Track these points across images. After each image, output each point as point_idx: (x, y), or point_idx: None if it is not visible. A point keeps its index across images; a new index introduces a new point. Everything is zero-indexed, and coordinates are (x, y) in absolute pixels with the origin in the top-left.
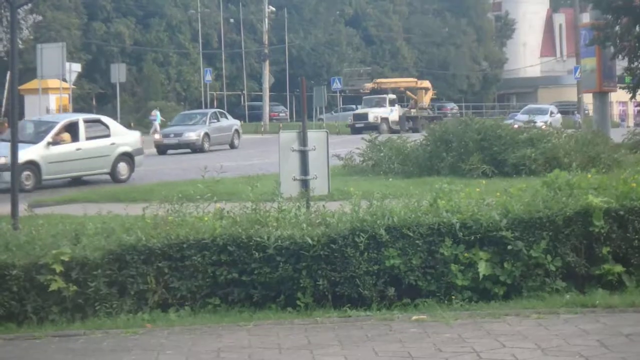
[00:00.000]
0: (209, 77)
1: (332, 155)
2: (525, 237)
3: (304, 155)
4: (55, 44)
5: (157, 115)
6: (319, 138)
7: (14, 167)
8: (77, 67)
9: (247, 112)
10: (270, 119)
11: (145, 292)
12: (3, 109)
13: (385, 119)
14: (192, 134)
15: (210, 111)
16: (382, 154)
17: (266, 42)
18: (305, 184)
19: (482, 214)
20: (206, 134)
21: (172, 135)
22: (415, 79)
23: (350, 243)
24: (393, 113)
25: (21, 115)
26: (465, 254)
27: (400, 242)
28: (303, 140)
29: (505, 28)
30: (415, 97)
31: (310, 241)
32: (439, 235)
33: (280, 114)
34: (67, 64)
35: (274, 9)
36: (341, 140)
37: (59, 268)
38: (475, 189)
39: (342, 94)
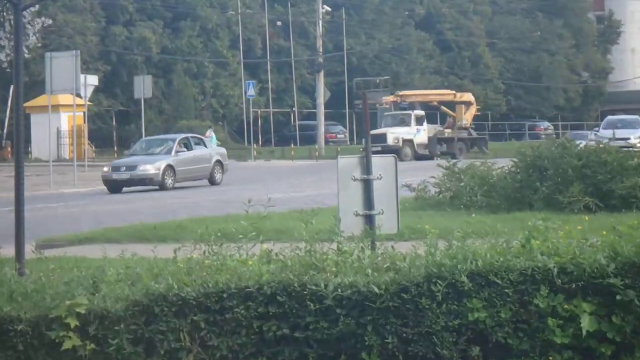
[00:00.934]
0: (251, 92)
1: (401, 186)
2: (638, 286)
3: (367, 186)
4: (68, 52)
5: (212, 137)
6: (385, 164)
7: (20, 200)
8: (93, 80)
9: (297, 132)
10: (326, 141)
11: (177, 351)
12: (5, 130)
13: (408, 142)
14: (150, 167)
15: (179, 137)
16: (462, 184)
17: (320, 49)
18: (369, 220)
19: (585, 257)
20: (169, 167)
21: (123, 169)
22: (454, 92)
23: (425, 292)
24: (420, 133)
25: (27, 137)
26: (565, 306)
27: (486, 292)
28: (366, 167)
29: (610, 31)
30: (453, 113)
31: (376, 290)
32: (533, 283)
33: (338, 135)
34: (82, 76)
35: (329, 9)
36: (412, 166)
37: (73, 322)
38: (576, 227)
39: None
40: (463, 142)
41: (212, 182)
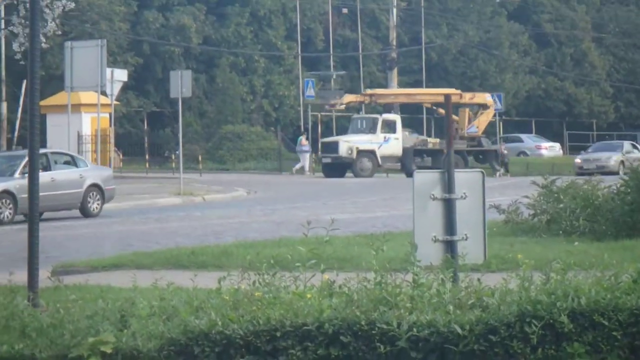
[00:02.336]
0: (310, 91)
1: (488, 206)
2: None
3: (449, 206)
4: (92, 41)
5: (307, 144)
6: (471, 181)
7: (33, 218)
8: (122, 75)
9: None
10: None
11: None
12: (17, 134)
13: (369, 153)
14: None
15: (23, 153)
16: (561, 206)
17: (394, 42)
18: (451, 247)
19: None
20: (6, 194)
21: None
22: (459, 91)
23: (518, 334)
24: (389, 143)
25: (42, 142)
26: None
27: (590, 334)
28: (448, 185)
29: None
30: (456, 118)
31: (459, 331)
32: None
33: None
34: (108, 71)
35: None
36: (501, 184)
37: None
38: None
39: (501, 117)
40: (461, 155)
41: (85, 212)
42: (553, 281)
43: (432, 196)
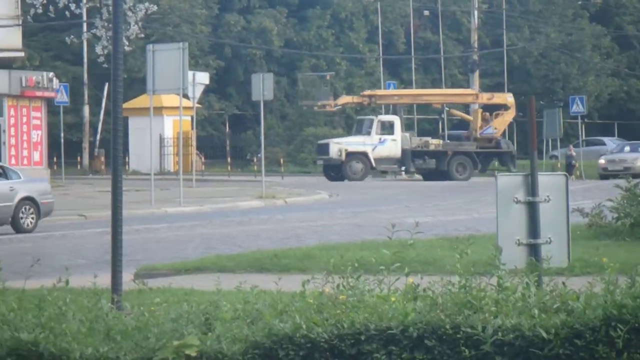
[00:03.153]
0: None
1: (572, 210)
2: None
3: (533, 209)
4: (174, 44)
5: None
6: (554, 184)
7: (117, 221)
8: (203, 78)
9: None
10: None
11: None
12: (99, 137)
13: (360, 154)
14: None
15: None
16: None
17: (475, 45)
18: (534, 250)
19: None
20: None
21: None
22: (476, 92)
23: (603, 338)
24: (385, 145)
25: (124, 145)
26: None
27: None
28: (532, 188)
29: None
30: (469, 117)
31: (544, 335)
32: None
33: None
34: (190, 74)
35: None
36: (585, 187)
37: None
38: None
39: (583, 120)
40: (469, 156)
41: (17, 228)
42: (638, 285)
43: (516, 199)
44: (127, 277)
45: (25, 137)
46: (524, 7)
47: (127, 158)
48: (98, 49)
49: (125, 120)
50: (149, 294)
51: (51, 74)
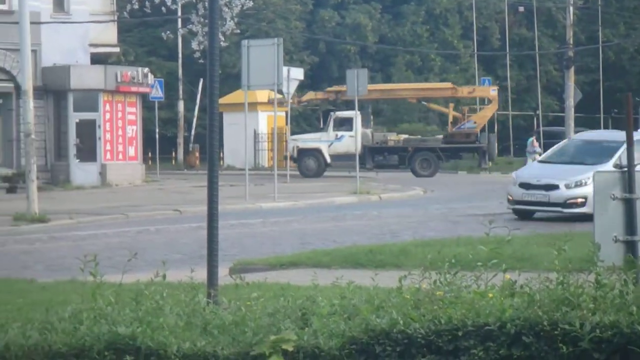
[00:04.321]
0: None
1: None
2: None
3: (629, 206)
4: (268, 39)
5: (537, 145)
6: None
7: (213, 216)
8: (298, 74)
9: (542, 140)
10: None
11: None
12: (193, 132)
13: (313, 151)
14: None
15: None
16: None
17: (570, 41)
18: (632, 247)
19: None
20: None
21: None
22: (453, 85)
23: None
24: (341, 141)
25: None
26: None
27: None
28: (629, 184)
29: None
30: (454, 113)
31: None
32: None
33: None
34: (285, 69)
35: None
36: None
37: None
38: None
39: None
40: (434, 152)
41: None
42: None
43: (613, 196)
44: (222, 272)
45: (120, 132)
46: (620, 3)
47: (221, 153)
48: (194, 45)
49: (219, 116)
50: (245, 288)
51: (146, 70)
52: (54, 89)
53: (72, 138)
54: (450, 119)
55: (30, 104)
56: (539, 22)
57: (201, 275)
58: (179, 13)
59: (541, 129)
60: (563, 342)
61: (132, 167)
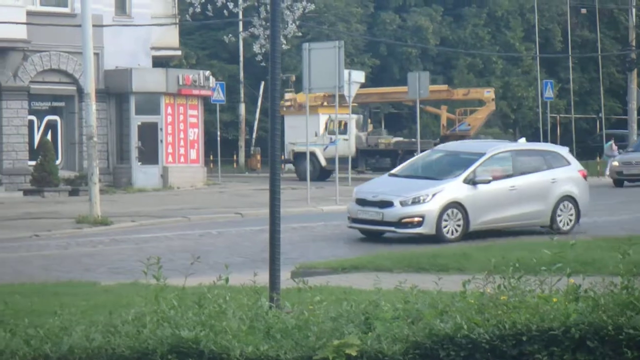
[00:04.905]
0: (549, 93)
1: None
2: None
3: None
4: (329, 42)
5: (616, 149)
6: None
7: (275, 219)
8: (359, 77)
9: (604, 143)
10: None
11: None
12: (255, 135)
13: (310, 155)
14: None
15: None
16: None
17: (633, 43)
18: None
19: None
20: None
21: None
22: (447, 87)
23: None
24: (336, 145)
25: (281, 142)
26: None
27: None
28: None
29: None
30: (452, 116)
31: None
32: None
33: None
34: (346, 72)
35: None
36: None
37: None
38: None
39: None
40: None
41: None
42: None
43: None
44: (284, 275)
45: (182, 135)
46: None
47: (283, 156)
48: (255, 48)
49: (281, 119)
50: (308, 292)
51: (208, 73)
52: (116, 91)
53: (134, 141)
54: (444, 121)
55: (92, 106)
56: (601, 23)
57: (263, 278)
58: (240, 16)
59: (604, 132)
60: (628, 347)
61: (194, 169)
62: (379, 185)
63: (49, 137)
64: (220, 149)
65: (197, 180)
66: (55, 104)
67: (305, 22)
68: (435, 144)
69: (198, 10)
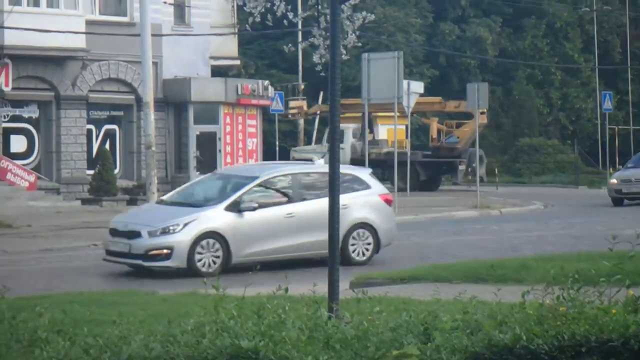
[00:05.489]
0: (608, 105)
1: None
2: None
3: None
4: (389, 53)
5: None
6: None
7: (333, 229)
8: (418, 87)
9: None
10: None
11: None
12: (313, 144)
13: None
14: None
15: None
16: None
17: None
18: None
19: None
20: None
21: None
22: (440, 99)
23: None
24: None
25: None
26: None
27: None
28: None
29: None
30: (443, 127)
31: None
32: None
33: None
34: (405, 82)
35: None
36: None
37: None
38: None
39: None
40: (412, 166)
41: None
42: None
43: None
44: (343, 286)
45: (240, 145)
46: None
47: None
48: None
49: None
50: (367, 302)
51: (266, 82)
52: (174, 101)
53: (192, 150)
54: (433, 133)
55: (151, 116)
56: None
57: (322, 289)
58: (300, 26)
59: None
60: None
61: None
62: (137, 214)
63: (107, 146)
64: (278, 158)
65: None
66: (113, 113)
67: (365, 32)
68: (425, 156)
69: (258, 19)
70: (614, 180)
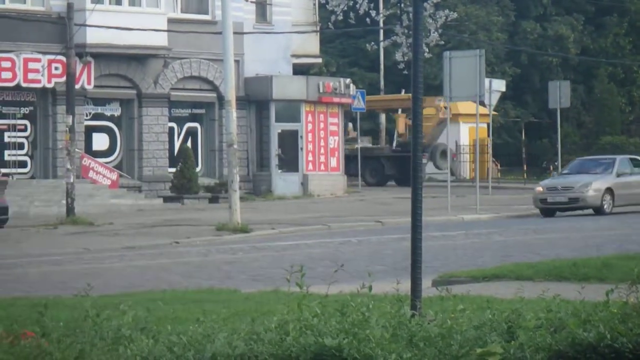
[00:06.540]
0: None
1: None
2: None
3: None
4: (471, 51)
5: None
6: None
7: (416, 228)
8: (500, 85)
9: None
10: None
11: None
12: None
13: None
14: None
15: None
16: None
17: None
18: None
19: None
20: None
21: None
22: (409, 96)
23: None
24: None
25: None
26: None
27: None
28: None
29: None
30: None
31: None
32: None
33: None
34: (487, 81)
35: None
36: None
37: None
38: None
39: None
40: (379, 162)
41: None
42: None
43: None
44: (425, 284)
45: (322, 143)
46: None
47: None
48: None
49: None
50: (450, 300)
51: (348, 80)
52: (256, 99)
53: (274, 148)
54: (402, 129)
55: (233, 114)
56: None
57: (404, 287)
58: (381, 24)
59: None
60: None
61: (334, 177)
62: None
63: (189, 144)
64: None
65: (337, 188)
66: (195, 111)
67: (446, 30)
68: (394, 150)
69: (340, 18)
70: (540, 189)
